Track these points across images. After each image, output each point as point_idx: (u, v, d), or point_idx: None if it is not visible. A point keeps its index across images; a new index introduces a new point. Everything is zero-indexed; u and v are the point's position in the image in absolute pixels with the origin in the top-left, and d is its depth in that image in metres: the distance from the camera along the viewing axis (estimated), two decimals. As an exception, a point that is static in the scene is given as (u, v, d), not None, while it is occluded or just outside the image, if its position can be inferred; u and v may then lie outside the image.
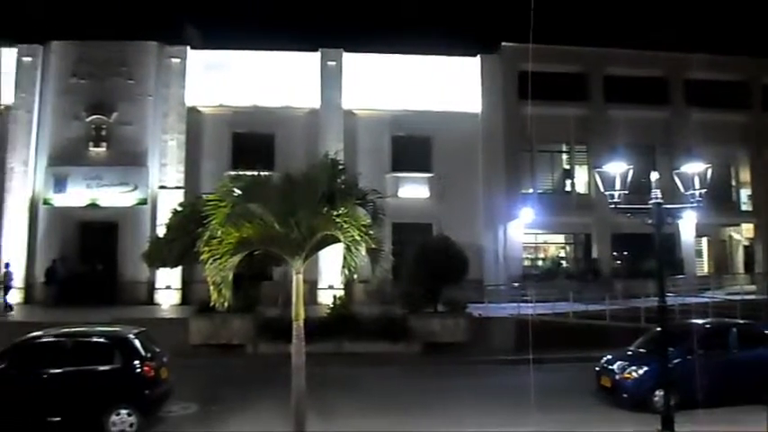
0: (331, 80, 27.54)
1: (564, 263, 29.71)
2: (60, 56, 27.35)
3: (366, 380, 15.40)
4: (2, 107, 26.96)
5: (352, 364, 16.73)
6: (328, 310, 19.46)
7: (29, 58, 27.13)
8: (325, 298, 23.36)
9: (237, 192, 9.53)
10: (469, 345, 18.78)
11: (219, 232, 8.89)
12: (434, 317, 19.25)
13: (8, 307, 22.70)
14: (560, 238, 30.19)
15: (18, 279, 25.41)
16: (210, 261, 8.77)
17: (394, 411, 12.36)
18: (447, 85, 28.12)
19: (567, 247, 30.31)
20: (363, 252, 8.95)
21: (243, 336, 18.48)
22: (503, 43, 28.19)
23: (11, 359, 10.94)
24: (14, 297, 25.27)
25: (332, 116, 27.25)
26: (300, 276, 9.47)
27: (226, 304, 9.05)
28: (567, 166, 29.75)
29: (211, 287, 8.98)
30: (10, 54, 27.22)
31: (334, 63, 27.69)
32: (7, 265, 23.73)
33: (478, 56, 28.50)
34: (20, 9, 30.15)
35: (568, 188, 29.50)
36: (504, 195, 27.61)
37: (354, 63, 27.82)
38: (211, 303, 9.28)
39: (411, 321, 18.81)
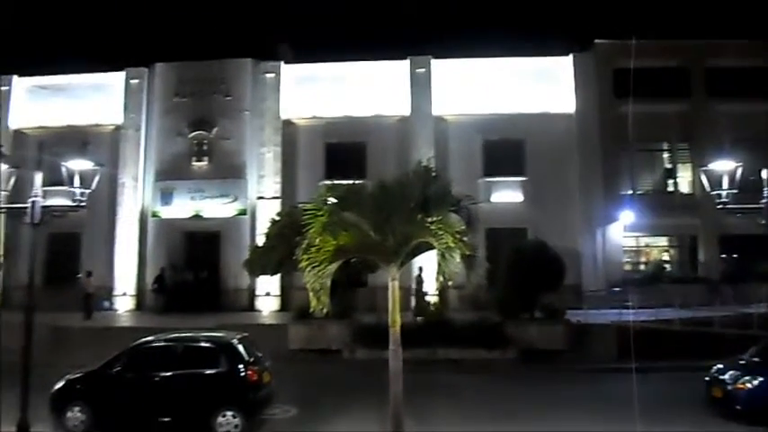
0: (420, 87, 27.65)
1: (667, 267, 28.29)
2: (164, 77, 29.04)
3: (462, 386, 15.29)
4: (113, 127, 28.96)
5: (448, 371, 16.66)
6: (422, 317, 19.51)
7: (136, 81, 29.02)
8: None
9: (333, 201, 9.74)
10: (568, 352, 18.27)
11: (317, 241, 9.13)
12: (531, 323, 18.89)
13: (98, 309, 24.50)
14: (663, 241, 28.76)
15: (129, 287, 27.25)
16: (309, 269, 9.02)
17: (490, 419, 12.19)
18: (538, 86, 27.53)
19: (671, 251, 28.84)
20: (458, 258, 8.92)
21: (340, 341, 18.83)
22: (596, 40, 27.32)
23: (126, 362, 11.65)
24: (126, 304, 27.09)
25: (422, 123, 27.34)
26: (396, 283, 9.56)
27: (324, 310, 9.27)
28: (669, 165, 28.31)
29: (310, 294, 9.23)
30: (119, 77, 29.21)
31: (423, 70, 27.79)
32: (89, 274, 25.12)
33: (571, 55, 27.74)
34: (126, 35, 32.24)
35: (671, 188, 28.07)
36: (601, 197, 26.65)
37: (443, 69, 27.81)
38: (311, 310, 9.54)
39: (507, 328, 18.54)
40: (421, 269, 21.16)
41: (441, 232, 8.79)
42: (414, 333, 17.05)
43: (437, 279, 9.45)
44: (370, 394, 12.95)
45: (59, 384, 11.76)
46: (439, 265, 9.26)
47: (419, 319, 19.70)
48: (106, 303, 27.05)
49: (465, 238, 8.96)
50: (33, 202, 9.52)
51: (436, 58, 27.83)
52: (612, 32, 26.37)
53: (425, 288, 21.79)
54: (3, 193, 10.18)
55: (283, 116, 28.14)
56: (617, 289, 24.38)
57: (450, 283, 9.46)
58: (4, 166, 10.23)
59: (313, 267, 8.96)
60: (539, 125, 26.81)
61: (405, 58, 27.91)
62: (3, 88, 30.14)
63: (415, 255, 9.98)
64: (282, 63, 28.56)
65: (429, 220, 9.00)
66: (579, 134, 27.22)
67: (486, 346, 17.99)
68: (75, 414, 11.28)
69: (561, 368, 17.28)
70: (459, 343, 18.01)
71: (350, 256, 9.88)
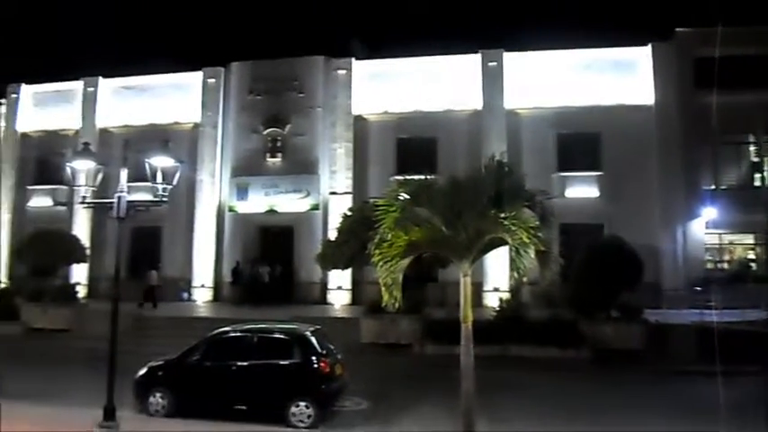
0: (492, 81, 27.30)
1: (753, 266, 26.85)
2: (239, 76, 29.88)
3: (534, 385, 15.01)
4: (192, 125, 30.02)
5: (520, 369, 16.37)
6: (495, 313, 19.30)
7: (212, 80, 29.99)
8: (491, 300, 23.21)
9: (405, 196, 9.75)
10: (645, 353, 17.60)
11: (389, 236, 9.17)
12: (607, 322, 18.34)
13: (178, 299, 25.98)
14: (749, 239, 27.29)
15: (207, 279, 28.28)
16: (381, 263, 9.07)
17: (563, 419, 11.93)
18: (615, 77, 26.69)
19: (757, 249, 27.36)
20: (532, 254, 8.76)
21: (410, 336, 18.87)
22: (676, 29, 26.22)
23: (204, 351, 12.08)
24: (204, 295, 28.08)
25: (494, 117, 27.00)
26: (468, 279, 9.49)
27: (396, 305, 9.30)
28: (756, 159, 26.82)
29: (383, 288, 9.28)
30: (197, 77, 30.23)
31: (494, 64, 27.44)
32: (153, 268, 26.03)
33: (649, 44, 26.69)
34: (204, 36, 33.31)
35: (758, 183, 26.66)
36: (682, 193, 25.52)
37: (516, 62, 27.38)
38: (382, 304, 9.60)
39: (582, 326, 18.10)
40: None
41: (514, 228, 8.64)
42: (486, 329, 16.91)
43: (510, 275, 9.31)
44: (440, 390, 12.92)
45: (142, 371, 12.30)
46: (512, 261, 9.13)
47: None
48: (185, 294, 28.21)
49: (539, 234, 8.78)
50: (119, 197, 9.97)
51: (508, 51, 27.44)
52: (694, 20, 25.25)
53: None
54: (91, 189, 10.68)
55: (355, 112, 28.42)
56: (698, 288, 23.35)
57: (524, 279, 9.31)
58: (92, 164, 10.72)
59: (385, 262, 9.00)
60: (615, 118, 25.95)
61: (476, 52, 27.66)
62: (89, 89, 31.85)
63: (487, 251, 9.86)
64: (354, 59, 28.81)
65: (502, 215, 8.87)
66: (658, 127, 26.18)
67: (559, 344, 17.61)
68: (156, 399, 11.77)
69: (638, 369, 16.68)
70: (533, 341, 17.71)
71: (421, 252, 9.85)
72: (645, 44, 26.72)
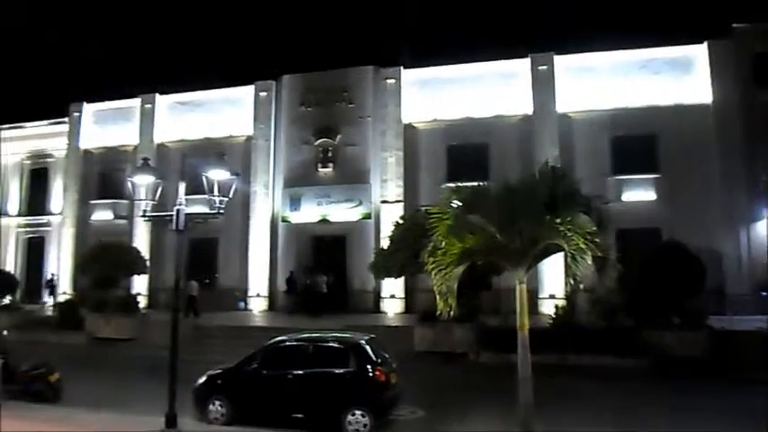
0: (543, 85, 26.97)
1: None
2: (290, 88, 30.39)
3: (594, 394, 14.65)
4: (245, 138, 30.65)
5: (578, 378, 16.02)
6: (551, 321, 18.98)
7: (264, 93, 30.59)
8: (547, 308, 22.83)
9: (458, 203, 9.70)
10: (709, 361, 16.95)
11: (443, 243, 9.14)
12: (668, 329, 17.71)
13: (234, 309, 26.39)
14: (819, 240, 26.05)
15: (262, 288, 28.74)
16: (436, 271, 9.05)
17: (626, 430, 11.62)
18: (671, 76, 25.96)
19: (829, 251, 26.10)
20: (589, 261, 8.59)
21: (465, 344, 18.72)
22: (734, 25, 25.35)
23: (261, 360, 12.25)
24: (260, 304, 28.54)
25: (546, 121, 26.65)
26: (524, 286, 9.37)
27: (451, 313, 9.25)
28: (823, 157, 25.68)
29: (437, 296, 9.25)
30: (249, 91, 30.89)
31: (545, 67, 27.10)
32: (193, 279, 26.37)
33: (706, 42, 25.87)
34: (255, 51, 34.01)
35: (825, 181, 25.45)
36: (744, 193, 24.52)
37: (567, 64, 27.00)
38: (437, 312, 9.55)
39: (641, 334, 17.60)
40: None
41: (570, 234, 8.50)
42: (542, 337, 16.61)
43: (566, 282, 9.15)
44: (497, 398, 12.76)
45: (201, 379, 12.54)
46: (568, 267, 8.97)
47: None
48: (242, 304, 28.75)
49: (597, 240, 8.60)
50: (178, 210, 10.24)
51: (559, 53, 27.05)
52: (752, 15, 24.40)
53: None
54: (151, 202, 11.01)
55: (405, 120, 28.49)
56: (765, 293, 22.45)
57: (580, 286, 9.13)
58: (152, 178, 11.05)
59: (439, 270, 8.98)
60: (672, 118, 25.21)
61: (526, 56, 27.35)
62: (146, 106, 32.92)
63: (543, 257, 9.73)
64: (402, 68, 28.91)
65: (558, 221, 8.74)
66: (718, 126, 25.28)
67: (618, 352, 17.16)
68: (215, 407, 11.96)
69: (702, 378, 16.09)
70: (590, 349, 17.32)
71: (476, 259, 9.78)
72: (701, 41, 25.92)
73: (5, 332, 14.69)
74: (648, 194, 25.59)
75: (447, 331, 18.50)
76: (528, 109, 27.10)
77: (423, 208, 20.53)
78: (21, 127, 37.04)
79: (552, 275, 23.42)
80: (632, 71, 26.32)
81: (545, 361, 15.17)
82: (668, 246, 19.54)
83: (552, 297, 23.67)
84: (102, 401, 13.06)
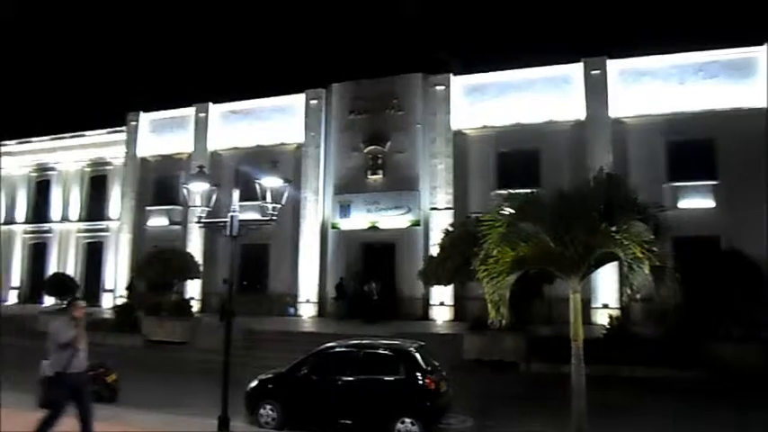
0: (596, 90, 26.41)
1: None
2: (340, 96, 30.65)
3: (647, 408, 14.25)
4: (295, 146, 31.04)
5: (631, 390, 15.58)
6: (604, 331, 18.56)
7: (315, 101, 30.94)
8: (600, 317, 22.34)
9: (510, 211, 9.59)
10: (771, 375, 16.29)
11: (495, 252, 9.05)
12: (727, 341, 17.10)
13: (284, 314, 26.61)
14: None
15: (312, 294, 29.00)
16: (488, 280, 8.96)
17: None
18: (729, 80, 24.96)
19: None
20: (646, 270, 8.36)
21: (515, 353, 18.45)
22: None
23: (312, 365, 12.34)
24: (309, 310, 28.80)
25: (599, 127, 26.08)
26: (578, 295, 9.19)
27: (503, 322, 9.14)
28: None
29: (489, 305, 9.16)
30: (300, 99, 31.30)
31: (598, 72, 26.54)
32: (224, 281, 26.70)
33: (765, 44, 24.88)
34: (305, 60, 34.47)
35: None
36: (807, 201, 23.54)
37: (620, 69, 26.41)
38: (489, 321, 9.45)
39: (699, 345, 17.02)
40: None
41: (627, 242, 8.30)
42: (595, 348, 16.24)
43: (621, 291, 8.94)
44: (548, 409, 12.55)
45: (253, 383, 12.70)
46: (624, 276, 8.76)
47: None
48: (292, 309, 29.05)
49: (654, 249, 8.37)
50: (232, 216, 10.43)
51: (612, 57, 26.48)
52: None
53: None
54: (206, 209, 11.24)
55: (454, 127, 28.35)
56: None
57: (637, 296, 8.89)
58: (206, 185, 11.29)
59: (491, 279, 8.88)
60: (731, 123, 24.23)
61: (578, 61, 26.89)
62: (200, 115, 33.71)
63: (598, 266, 9.52)
64: (452, 75, 28.79)
65: (613, 229, 8.55)
66: (778, 131, 24.27)
67: (674, 364, 16.64)
68: (266, 411, 12.09)
69: (762, 393, 15.42)
70: (645, 360, 16.85)
71: (528, 268, 9.63)
72: (760, 44, 24.98)
73: (67, 333, 15.12)
74: (706, 202, 24.74)
75: (497, 340, 18.27)
76: (580, 114, 26.62)
77: (473, 215, 20.41)
78: (81, 135, 38.52)
79: (606, 284, 22.92)
80: (688, 75, 25.55)
81: (597, 372, 14.77)
82: (727, 254, 18.88)
83: (605, 307, 23.20)
84: (156, 402, 13.37)
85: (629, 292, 8.73)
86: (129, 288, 30.31)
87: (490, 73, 28.32)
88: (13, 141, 41.13)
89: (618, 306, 21.07)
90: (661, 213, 9.78)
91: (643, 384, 16.06)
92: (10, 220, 40.85)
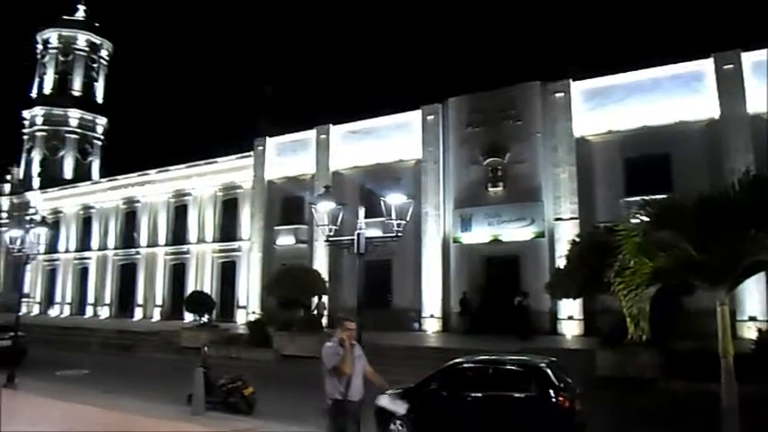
0: (730, 85, 24.60)
1: None
2: (456, 110, 30.61)
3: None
4: (414, 161, 31.32)
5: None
6: (753, 346, 17.08)
7: (431, 117, 31.10)
8: (747, 331, 20.65)
9: (644, 219, 9.08)
10: None
11: (632, 262, 8.58)
12: None
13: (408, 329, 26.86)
14: None
15: (435, 309, 28.97)
16: (625, 292, 8.51)
17: None
18: None
19: None
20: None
21: (653, 370, 17.36)
22: None
23: (440, 381, 12.23)
24: (433, 325, 28.80)
25: (736, 125, 24.21)
26: (726, 308, 8.52)
27: (643, 337, 8.64)
28: None
29: (627, 319, 8.70)
30: (416, 116, 31.58)
31: (731, 66, 24.72)
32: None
33: None
34: (420, 76, 34.81)
35: None
36: None
37: (756, 61, 24.36)
38: (629, 336, 8.97)
39: None
40: None
41: (780, 249, 7.62)
42: (742, 365, 14.97)
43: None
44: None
45: (382, 399, 12.79)
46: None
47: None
48: (416, 325, 29.19)
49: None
50: (358, 234, 10.65)
51: (747, 50, 24.59)
52: None
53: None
54: (333, 227, 11.56)
55: (576, 134, 27.45)
56: None
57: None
58: (333, 205, 11.61)
59: (629, 291, 8.43)
60: None
61: (708, 56, 25.19)
62: (321, 137, 34.88)
63: (747, 276, 8.79)
64: (571, 80, 27.94)
65: (766, 234, 7.86)
66: None
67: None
68: (396, 427, 12.06)
69: None
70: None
71: (668, 279, 9.05)
72: None
73: (206, 348, 16.01)
74: None
75: (633, 356, 17.29)
76: (714, 113, 24.90)
77: (601, 224, 19.59)
78: (214, 162, 41.13)
79: (753, 295, 21.22)
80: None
81: (747, 392, 13.56)
82: None
83: (752, 319, 21.43)
84: (290, 415, 13.78)
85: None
86: (261, 304, 31.75)
87: (612, 75, 27.19)
88: (154, 170, 44.70)
89: (767, 319, 19.35)
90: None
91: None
92: (153, 243, 44.22)
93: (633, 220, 9.32)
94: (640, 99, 26.19)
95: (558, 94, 28.06)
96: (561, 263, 20.89)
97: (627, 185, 25.85)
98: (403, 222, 10.75)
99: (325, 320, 27.67)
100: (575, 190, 26.92)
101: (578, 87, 27.89)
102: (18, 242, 18.22)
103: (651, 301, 8.96)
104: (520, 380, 11.51)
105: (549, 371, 11.43)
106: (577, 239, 19.70)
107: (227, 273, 39.67)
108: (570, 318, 25.60)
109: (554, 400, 10.92)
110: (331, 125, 34.76)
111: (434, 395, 12.05)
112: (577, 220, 26.25)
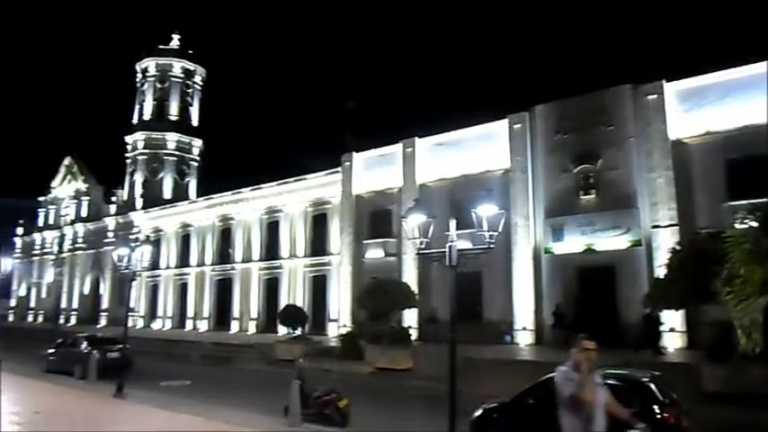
0: None
1: None
2: (544, 117, 30.05)
3: None
4: (502, 171, 30.94)
5: None
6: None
7: (518, 125, 30.67)
8: None
9: (754, 224, 8.58)
10: None
11: (742, 271, 8.12)
12: None
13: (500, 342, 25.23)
14: None
15: (528, 321, 28.43)
16: (735, 302, 8.05)
17: None
18: None
19: None
20: None
21: (766, 385, 16.30)
22: None
23: (537, 395, 11.92)
24: (526, 338, 28.25)
25: None
26: None
27: (756, 349, 8.14)
28: None
29: (739, 331, 8.23)
30: (503, 125, 31.22)
31: None
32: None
33: None
34: (505, 86, 34.42)
35: None
36: None
37: None
38: (740, 348, 8.48)
39: None
40: None
41: None
42: None
43: None
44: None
45: (477, 412, 12.60)
46: None
47: None
48: (508, 337, 28.72)
49: None
50: (450, 246, 10.60)
51: None
52: None
53: None
54: (425, 240, 11.55)
55: (672, 137, 26.27)
56: None
57: None
58: (424, 217, 11.61)
59: (740, 301, 7.97)
60: None
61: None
62: (407, 150, 35.16)
63: None
64: (665, 81, 26.83)
65: None
66: None
67: None
68: (492, 442, 11.95)
69: None
70: None
71: (784, 287, 8.49)
72: None
73: (301, 360, 16.34)
74: None
75: (743, 369, 16.20)
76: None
77: (702, 231, 18.69)
78: (303, 179, 42.21)
79: None
80: None
81: None
82: None
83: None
84: (383, 427, 13.85)
85: None
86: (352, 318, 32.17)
87: (710, 74, 25.85)
88: (247, 189, 46.37)
89: None
90: None
91: None
92: (247, 259, 45.81)
93: (740, 226, 8.82)
94: (741, 97, 24.70)
95: (650, 97, 26.99)
96: (661, 272, 19.98)
97: (729, 189, 24.40)
98: (495, 234, 10.60)
99: (414, 333, 27.69)
100: (672, 195, 25.70)
101: (672, 88, 26.72)
102: (125, 260, 19.24)
103: (764, 312, 8.43)
104: (621, 395, 10.93)
105: (652, 385, 10.95)
106: (678, 247, 18.81)
107: (319, 286, 40.52)
108: (672, 330, 24.37)
109: (659, 416, 10.44)
110: (416, 138, 34.92)
111: (531, 410, 11.77)
112: (677, 227, 25.03)
